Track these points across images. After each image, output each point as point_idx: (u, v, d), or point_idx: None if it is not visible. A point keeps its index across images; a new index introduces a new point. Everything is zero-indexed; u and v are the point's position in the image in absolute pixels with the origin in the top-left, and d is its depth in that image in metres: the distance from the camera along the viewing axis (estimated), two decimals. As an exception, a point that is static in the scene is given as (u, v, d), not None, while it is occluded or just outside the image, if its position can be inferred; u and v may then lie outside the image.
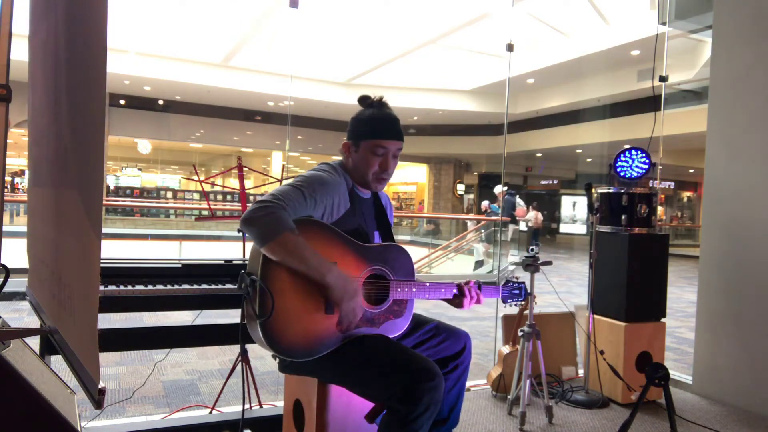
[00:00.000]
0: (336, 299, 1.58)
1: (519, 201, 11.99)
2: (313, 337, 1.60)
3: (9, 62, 1.37)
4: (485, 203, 12.90)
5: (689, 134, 9.87)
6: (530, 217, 15.80)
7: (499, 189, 11.82)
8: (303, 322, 1.58)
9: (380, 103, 1.83)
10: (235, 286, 2.14)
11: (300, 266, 1.54)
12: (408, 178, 24.34)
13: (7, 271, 1.42)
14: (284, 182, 1.74)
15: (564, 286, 9.25)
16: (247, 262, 1.70)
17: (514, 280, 2.11)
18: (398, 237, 1.95)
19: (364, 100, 1.85)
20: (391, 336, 1.75)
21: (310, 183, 1.64)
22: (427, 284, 1.81)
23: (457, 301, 1.89)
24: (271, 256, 1.53)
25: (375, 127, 1.76)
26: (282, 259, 1.53)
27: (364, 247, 1.72)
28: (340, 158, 1.87)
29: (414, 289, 1.77)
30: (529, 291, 2.16)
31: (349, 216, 1.74)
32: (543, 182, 24.02)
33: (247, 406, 2.45)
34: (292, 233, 1.51)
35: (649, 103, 3.99)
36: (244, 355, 2.41)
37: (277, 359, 1.81)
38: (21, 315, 5.21)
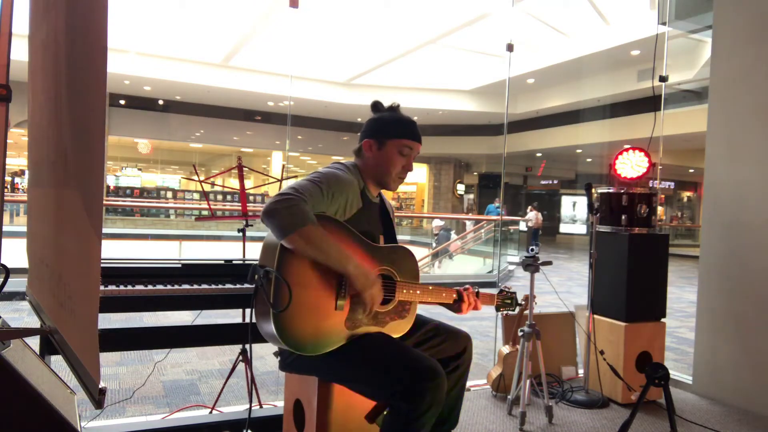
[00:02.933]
0: (359, 288, 1.61)
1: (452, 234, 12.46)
2: (322, 332, 1.61)
3: (9, 62, 1.37)
4: (437, 223, 12.77)
5: (689, 134, 9.87)
6: (530, 217, 15.83)
7: (437, 222, 12.16)
8: (313, 316, 1.60)
9: (397, 107, 1.87)
10: (236, 286, 2.14)
11: (321, 257, 1.57)
12: (408, 178, 23.95)
13: (7, 271, 1.42)
14: (289, 181, 1.74)
15: (564, 286, 9.25)
16: (248, 261, 1.70)
17: (507, 289, 2.15)
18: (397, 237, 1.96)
19: (379, 104, 1.88)
20: (394, 336, 1.76)
21: (327, 179, 1.66)
22: (430, 287, 1.84)
23: (456, 306, 1.93)
24: (291, 247, 1.55)
25: (404, 128, 1.81)
26: (303, 251, 1.55)
27: (374, 247, 1.74)
28: (351, 159, 1.88)
29: (418, 292, 1.80)
30: (519, 300, 2.21)
31: (361, 216, 1.76)
32: (543, 182, 24.02)
33: (247, 406, 2.45)
34: (313, 225, 1.53)
35: (649, 103, 3.99)
36: (245, 355, 2.42)
37: (278, 358, 1.82)
38: (21, 315, 5.21)
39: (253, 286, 1.63)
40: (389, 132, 1.80)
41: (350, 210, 1.73)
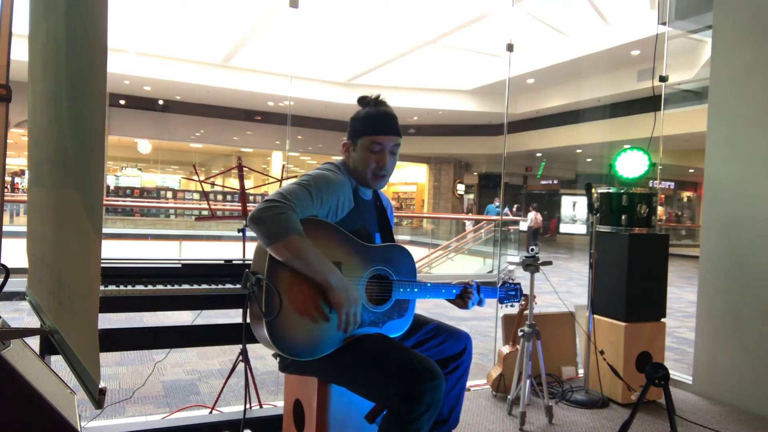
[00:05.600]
0: (337, 303, 1.58)
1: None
2: (317, 337, 1.60)
3: (9, 62, 1.37)
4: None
5: (689, 134, 9.87)
6: (530, 217, 15.84)
7: None
8: (307, 321, 1.59)
9: (377, 101, 1.83)
10: (236, 286, 2.14)
11: (304, 268, 1.55)
12: (408, 178, 24.35)
13: (7, 271, 1.42)
14: (289, 181, 1.74)
15: (564, 286, 9.25)
16: (248, 261, 1.70)
17: (511, 281, 2.13)
18: (397, 237, 1.96)
19: (362, 99, 1.85)
20: (392, 336, 1.76)
21: (317, 182, 1.65)
22: (428, 284, 1.83)
23: (460, 301, 1.91)
24: (276, 256, 1.54)
25: (370, 124, 1.76)
26: (287, 260, 1.54)
27: (368, 247, 1.72)
28: (342, 158, 1.87)
29: (416, 290, 1.78)
30: (524, 292, 2.19)
31: (353, 216, 1.74)
32: (543, 182, 24.03)
33: (247, 406, 2.45)
34: (298, 235, 1.52)
35: (649, 103, 3.99)
36: (244, 355, 2.42)
37: (278, 359, 1.82)
38: (21, 315, 5.21)
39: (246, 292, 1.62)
40: (358, 131, 1.77)
41: (342, 210, 1.71)
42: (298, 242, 1.51)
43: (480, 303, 1.94)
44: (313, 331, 1.60)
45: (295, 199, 1.55)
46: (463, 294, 1.90)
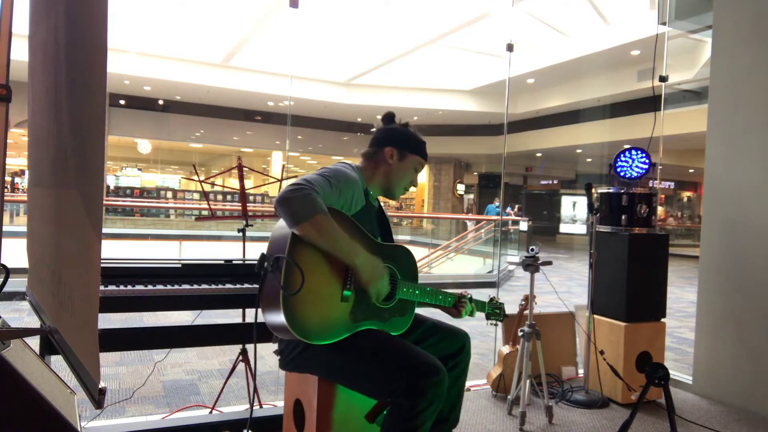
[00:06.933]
0: (364, 281, 1.64)
1: None
2: (328, 321, 1.64)
3: (9, 62, 1.37)
4: None
5: (689, 134, 9.86)
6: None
7: None
8: (320, 304, 1.63)
9: (409, 125, 1.96)
10: (236, 286, 2.14)
11: (330, 247, 1.60)
12: (408, 178, 24.30)
13: (7, 271, 1.42)
14: (289, 181, 1.75)
15: (564, 286, 9.25)
16: (248, 261, 1.70)
17: (497, 300, 2.19)
18: (397, 237, 1.98)
19: (393, 116, 1.97)
20: (393, 334, 1.78)
21: (336, 174, 1.71)
22: (428, 289, 1.89)
23: (454, 310, 1.99)
24: (302, 235, 1.58)
25: (423, 147, 1.94)
26: (313, 239, 1.58)
27: (378, 245, 1.78)
28: (353, 160, 1.92)
29: (417, 291, 1.84)
30: (507, 313, 2.26)
31: (363, 214, 1.80)
32: (543, 182, 24.02)
33: (247, 406, 2.45)
34: (325, 215, 1.57)
35: (649, 103, 3.99)
36: (245, 355, 2.42)
37: (279, 356, 1.82)
38: (21, 315, 5.21)
39: (259, 280, 1.64)
40: (412, 147, 1.90)
41: (354, 207, 1.77)
42: (324, 221, 1.57)
43: (472, 313, 2.03)
44: (325, 315, 1.63)
45: (318, 185, 1.62)
46: (458, 304, 1.97)
